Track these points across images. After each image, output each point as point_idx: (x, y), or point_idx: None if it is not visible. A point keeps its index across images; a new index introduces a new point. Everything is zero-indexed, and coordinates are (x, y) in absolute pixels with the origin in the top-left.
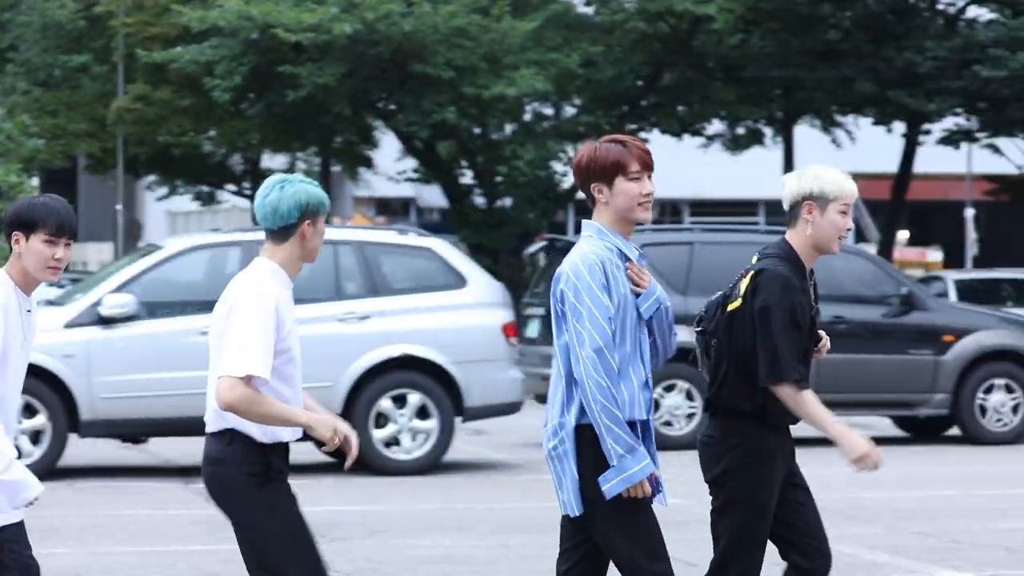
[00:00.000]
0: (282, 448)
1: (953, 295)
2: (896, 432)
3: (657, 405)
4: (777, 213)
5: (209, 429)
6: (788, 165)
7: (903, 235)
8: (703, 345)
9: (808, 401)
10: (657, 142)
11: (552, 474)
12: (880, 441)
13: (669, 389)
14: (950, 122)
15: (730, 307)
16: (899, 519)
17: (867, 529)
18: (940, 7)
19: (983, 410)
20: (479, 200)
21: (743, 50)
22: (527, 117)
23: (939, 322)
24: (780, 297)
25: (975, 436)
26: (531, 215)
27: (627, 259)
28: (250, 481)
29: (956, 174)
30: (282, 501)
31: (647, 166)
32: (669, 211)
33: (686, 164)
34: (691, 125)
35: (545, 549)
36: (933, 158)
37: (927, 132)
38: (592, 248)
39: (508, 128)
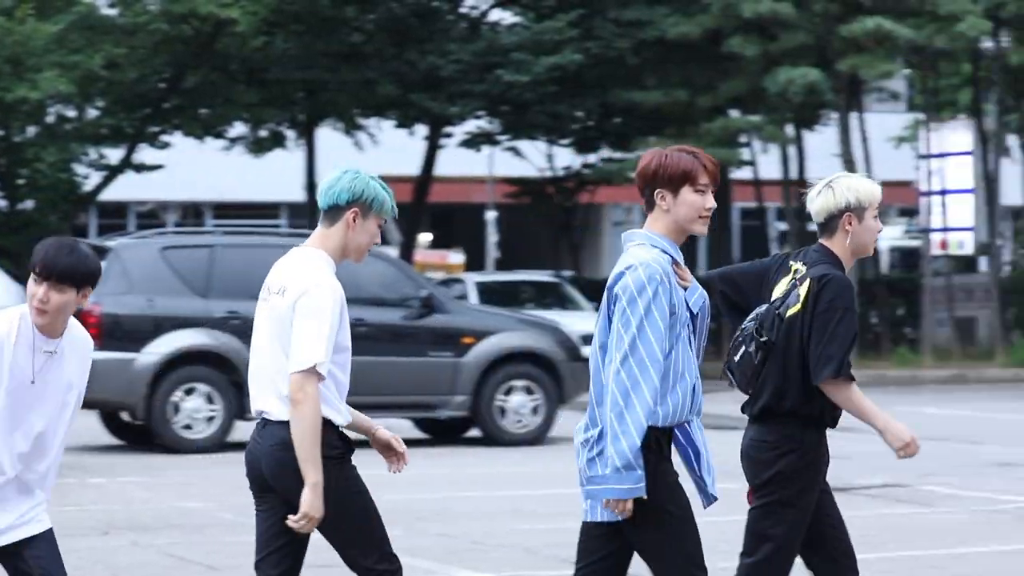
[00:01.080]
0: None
1: (474, 297)
2: (417, 434)
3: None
4: (300, 216)
5: (277, 417)
6: (311, 168)
7: (425, 237)
8: (763, 356)
9: (860, 395)
10: (180, 144)
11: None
12: None
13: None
14: (472, 125)
15: (789, 312)
16: (418, 520)
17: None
18: (463, 11)
19: (503, 411)
20: (0, 203)
21: (266, 52)
22: (50, 119)
23: (459, 324)
24: (849, 300)
25: (495, 437)
26: (53, 218)
27: (674, 261)
28: (329, 463)
29: (477, 177)
30: (356, 479)
31: (714, 181)
32: (191, 213)
33: (208, 166)
34: (214, 127)
35: None
36: (455, 161)
37: (449, 135)
38: (652, 257)
39: (30, 130)
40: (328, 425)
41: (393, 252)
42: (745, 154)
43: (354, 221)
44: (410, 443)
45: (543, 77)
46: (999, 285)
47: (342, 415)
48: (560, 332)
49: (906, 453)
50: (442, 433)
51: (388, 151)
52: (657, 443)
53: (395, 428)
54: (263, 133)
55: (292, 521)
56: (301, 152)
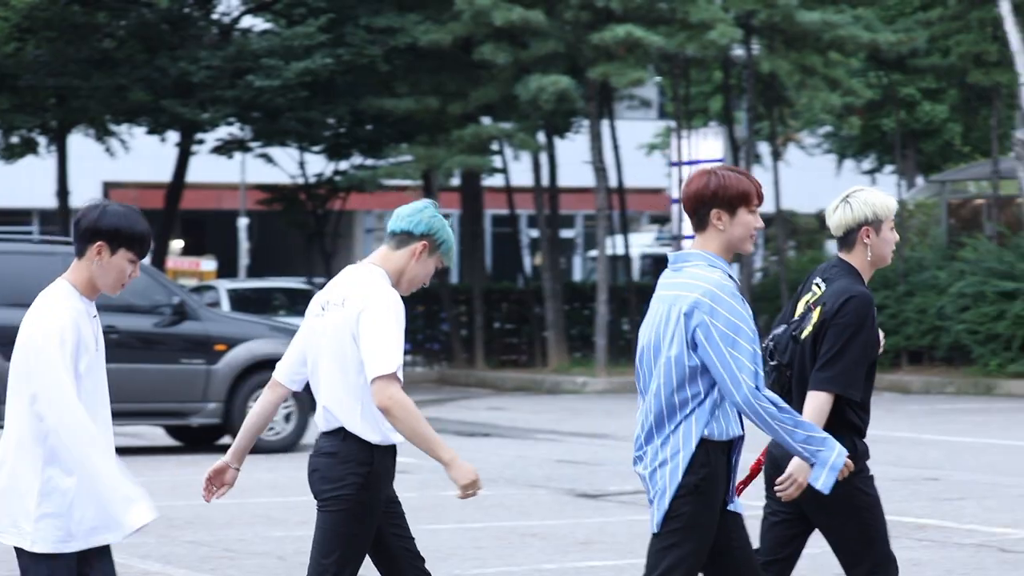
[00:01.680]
0: (392, 450)
1: (226, 304)
2: (169, 441)
3: None
4: (51, 222)
5: (323, 428)
6: (62, 174)
7: (177, 244)
8: (777, 378)
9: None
10: None
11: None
12: (154, 451)
13: None
14: (224, 131)
15: (804, 334)
16: (171, 528)
17: (139, 538)
18: (215, 17)
19: None
20: None
21: (17, 59)
22: None
23: (211, 331)
24: (864, 318)
25: None
26: None
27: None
28: (356, 482)
29: (230, 184)
30: (376, 507)
31: (762, 201)
32: None
33: None
34: None
35: None
36: (207, 167)
37: (201, 141)
38: (721, 277)
39: None
40: (363, 443)
41: (144, 259)
42: (497, 161)
43: (420, 253)
44: (163, 451)
45: (294, 83)
46: (750, 291)
47: (379, 433)
48: None
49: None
50: (195, 441)
51: (139, 158)
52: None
53: (146, 435)
54: (14, 139)
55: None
56: (52, 158)
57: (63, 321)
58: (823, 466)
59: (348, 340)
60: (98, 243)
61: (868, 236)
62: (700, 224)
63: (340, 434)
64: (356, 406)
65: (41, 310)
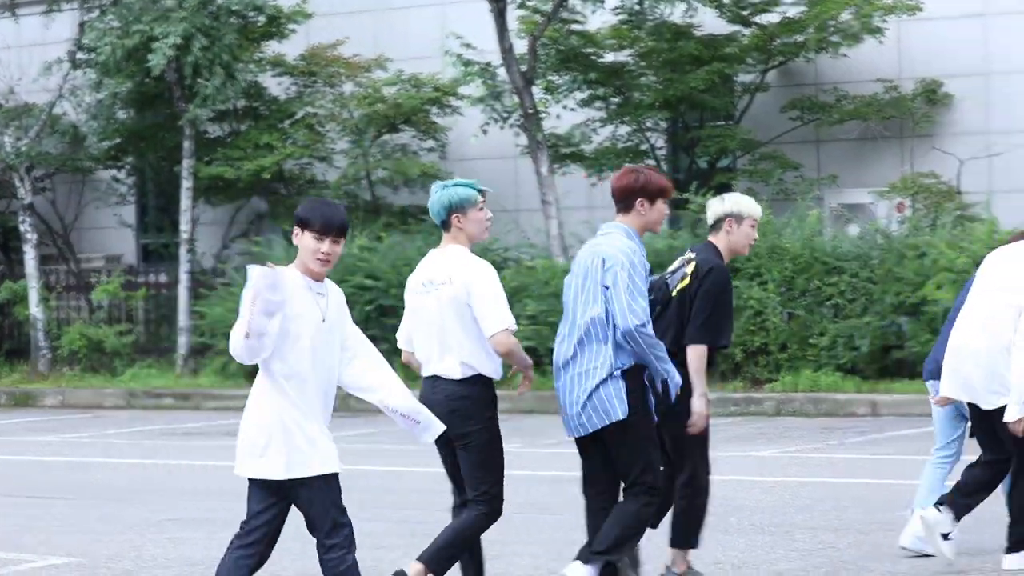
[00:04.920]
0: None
1: None
2: None
3: None
4: None
5: (449, 376)
6: None
7: None
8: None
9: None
10: None
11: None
12: None
13: None
14: None
15: (679, 286)
16: None
17: None
18: None
19: None
20: None
21: None
22: None
23: None
24: (724, 286)
25: None
26: None
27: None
28: (490, 407)
29: None
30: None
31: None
32: None
33: None
34: None
35: None
36: None
37: None
38: (628, 245)
39: None
40: (489, 381)
41: None
42: None
43: (458, 222)
44: None
45: None
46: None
47: (496, 371)
48: None
49: (698, 428)
50: None
51: None
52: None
53: None
54: None
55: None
56: None
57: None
58: (672, 379)
59: (464, 307)
60: None
61: (731, 226)
62: (626, 208)
63: (474, 380)
64: (483, 355)
65: None
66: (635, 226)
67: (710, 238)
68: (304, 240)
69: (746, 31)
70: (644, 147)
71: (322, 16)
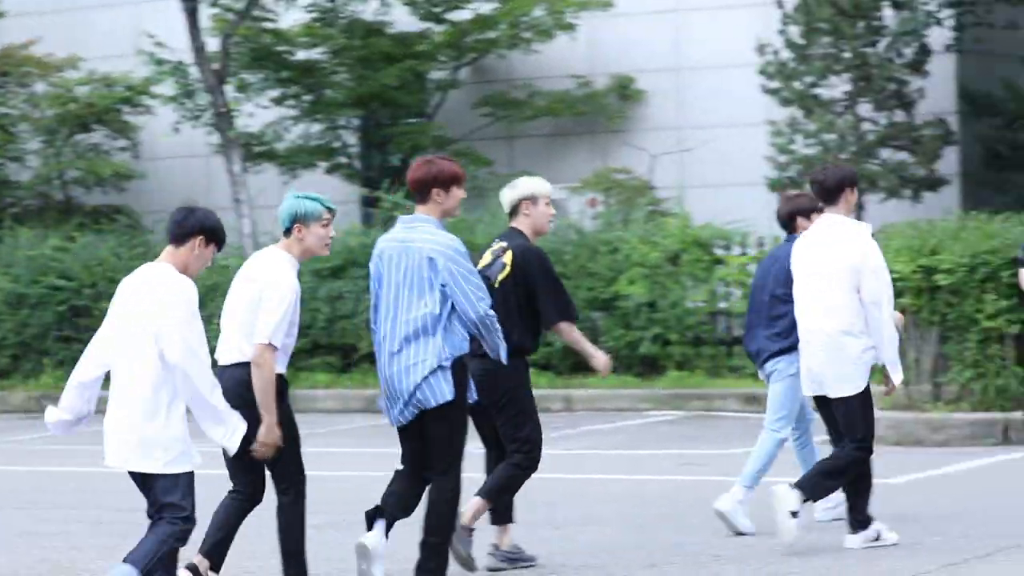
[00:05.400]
0: None
1: None
2: None
3: None
4: None
5: (236, 360)
6: None
7: None
8: None
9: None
10: None
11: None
12: None
13: None
14: None
15: (500, 277)
16: None
17: None
18: None
19: None
20: None
21: None
22: None
23: None
24: (549, 263)
25: None
26: None
27: None
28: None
29: None
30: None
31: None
32: None
33: None
34: None
35: None
36: None
37: None
38: (444, 235)
39: None
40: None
41: None
42: None
43: (299, 232)
44: None
45: None
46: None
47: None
48: None
49: (604, 371)
50: None
51: None
52: None
53: None
54: None
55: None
56: None
57: None
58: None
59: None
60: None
61: (528, 208)
62: (422, 198)
63: (243, 365)
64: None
65: None
66: (435, 215)
67: (513, 224)
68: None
69: (438, 28)
70: (337, 145)
71: (14, 16)
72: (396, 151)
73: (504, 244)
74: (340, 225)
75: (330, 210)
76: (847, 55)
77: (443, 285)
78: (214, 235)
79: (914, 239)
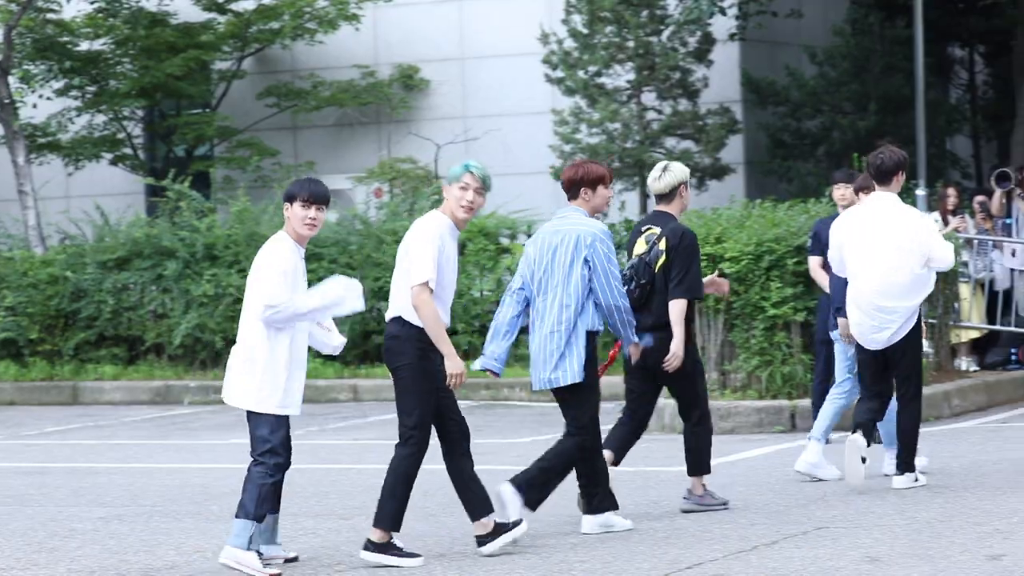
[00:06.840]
0: None
1: None
2: None
3: None
4: None
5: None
6: None
7: None
8: (640, 294)
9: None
10: None
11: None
12: None
13: None
14: None
15: (660, 263)
16: None
17: None
18: None
19: None
20: None
21: None
22: None
23: None
24: (697, 245)
25: None
26: None
27: None
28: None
29: None
30: None
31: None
32: None
33: None
34: None
35: None
36: None
37: None
38: (599, 224)
39: None
40: None
41: None
42: None
43: (446, 193)
44: None
45: None
46: None
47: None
48: None
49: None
50: None
51: None
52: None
53: None
54: None
55: None
56: None
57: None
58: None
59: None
60: None
61: (684, 192)
62: (575, 196)
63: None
64: None
65: None
66: (584, 209)
67: (661, 208)
68: (293, 210)
69: (222, 18)
70: (121, 136)
71: None
72: (181, 142)
73: (657, 229)
74: (125, 216)
75: (472, 174)
76: (631, 44)
77: (586, 260)
78: None
79: (700, 227)
